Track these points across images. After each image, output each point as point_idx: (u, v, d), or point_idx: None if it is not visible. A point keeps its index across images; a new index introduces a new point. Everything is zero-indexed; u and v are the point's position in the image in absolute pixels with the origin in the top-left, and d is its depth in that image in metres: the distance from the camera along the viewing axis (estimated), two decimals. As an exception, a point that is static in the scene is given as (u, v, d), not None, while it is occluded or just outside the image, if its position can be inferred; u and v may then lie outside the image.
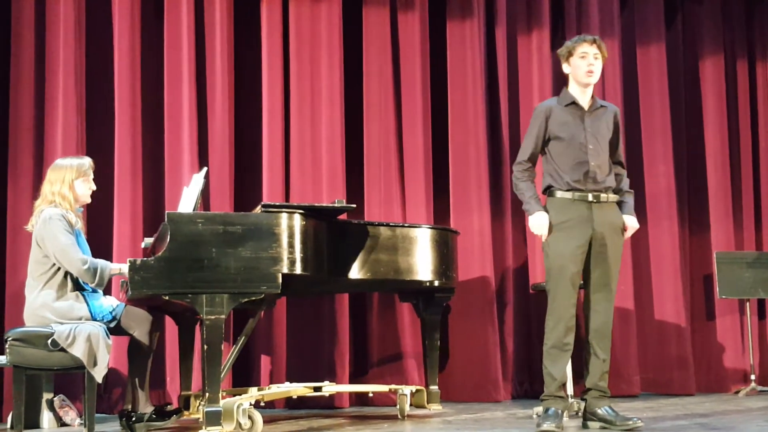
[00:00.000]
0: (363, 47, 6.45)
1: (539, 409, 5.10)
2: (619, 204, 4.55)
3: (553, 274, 4.42)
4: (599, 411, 4.45)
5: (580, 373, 4.61)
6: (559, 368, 4.40)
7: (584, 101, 4.52)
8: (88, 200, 4.69)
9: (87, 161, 4.67)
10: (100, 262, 4.47)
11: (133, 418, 4.57)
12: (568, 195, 4.42)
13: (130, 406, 4.68)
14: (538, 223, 4.43)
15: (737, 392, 6.58)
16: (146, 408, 4.59)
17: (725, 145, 7.12)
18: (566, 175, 4.43)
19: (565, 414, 4.52)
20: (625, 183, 4.64)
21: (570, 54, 4.51)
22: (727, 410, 5.25)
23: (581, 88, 4.52)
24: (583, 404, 4.60)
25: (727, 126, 7.16)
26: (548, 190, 4.51)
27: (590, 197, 4.41)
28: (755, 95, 7.31)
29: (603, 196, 4.44)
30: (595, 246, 4.42)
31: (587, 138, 4.45)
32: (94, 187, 4.69)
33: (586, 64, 4.46)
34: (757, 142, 7.25)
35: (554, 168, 4.47)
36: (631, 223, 4.55)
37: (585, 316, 4.52)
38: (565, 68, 4.56)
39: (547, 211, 4.45)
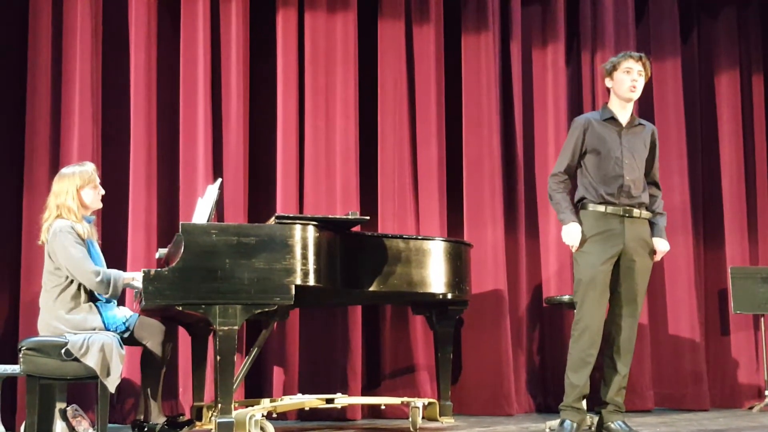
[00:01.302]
0: (378, 60, 6.46)
1: (552, 423, 5.08)
2: (651, 224, 4.56)
3: (582, 284, 4.42)
4: (612, 425, 4.43)
5: (593, 388, 4.59)
6: (581, 377, 4.39)
7: (623, 117, 4.56)
8: (99, 205, 4.69)
9: (90, 167, 4.64)
10: (113, 273, 4.48)
11: (146, 429, 4.58)
12: (601, 208, 4.45)
13: (142, 417, 4.69)
14: (570, 233, 4.45)
15: (751, 408, 6.54)
16: (158, 419, 4.60)
17: (740, 160, 7.09)
18: (600, 188, 4.46)
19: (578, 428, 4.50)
20: (659, 204, 4.66)
21: (614, 68, 4.55)
22: (741, 426, 5.21)
23: (621, 104, 4.56)
24: (596, 418, 4.57)
25: (742, 141, 7.13)
26: (581, 202, 4.54)
27: (623, 211, 4.44)
28: (771, 110, 7.29)
29: (636, 211, 4.47)
30: (624, 261, 4.44)
31: (623, 153, 4.48)
32: (103, 192, 4.69)
33: (630, 80, 4.50)
34: (772, 157, 7.23)
35: (589, 181, 4.51)
36: (662, 246, 4.57)
37: (608, 330, 4.50)
38: (608, 82, 4.60)
39: (579, 222, 4.46)
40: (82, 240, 4.47)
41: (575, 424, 4.39)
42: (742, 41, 7.28)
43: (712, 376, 6.78)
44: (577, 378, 4.40)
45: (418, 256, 5.02)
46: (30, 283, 5.53)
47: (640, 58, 4.54)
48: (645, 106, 6.88)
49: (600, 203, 4.45)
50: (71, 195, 4.53)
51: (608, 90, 4.64)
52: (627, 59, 4.53)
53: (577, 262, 4.48)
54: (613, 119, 4.55)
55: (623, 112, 4.56)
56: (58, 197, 4.54)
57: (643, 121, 4.67)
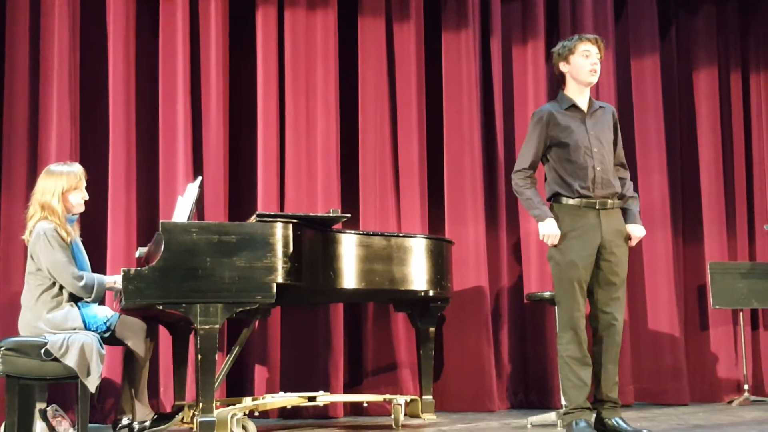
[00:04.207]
0: (359, 58, 6.45)
1: (534, 418, 5.10)
2: (624, 210, 4.46)
3: (565, 284, 4.30)
4: (611, 422, 4.33)
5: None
6: (587, 377, 4.27)
7: (583, 103, 4.44)
8: (82, 209, 4.66)
9: (78, 170, 4.60)
10: (96, 277, 4.48)
11: (136, 430, 4.54)
12: (576, 202, 4.33)
13: (124, 418, 4.67)
14: (550, 230, 4.31)
15: (730, 402, 6.58)
16: (148, 415, 4.58)
17: (719, 156, 7.13)
18: (574, 182, 4.33)
19: None
20: (629, 187, 4.54)
21: (571, 52, 4.41)
22: (720, 420, 5.25)
23: (580, 89, 4.43)
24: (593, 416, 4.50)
25: (720, 137, 7.17)
26: (554, 197, 4.41)
27: (598, 204, 4.32)
28: (749, 106, 7.32)
29: (609, 202, 4.35)
30: (604, 254, 4.33)
31: (591, 141, 4.36)
32: (87, 197, 4.67)
33: (590, 63, 4.37)
34: (750, 154, 7.27)
35: (559, 175, 4.38)
36: (638, 232, 4.44)
37: (594, 325, 4.41)
38: (563, 67, 4.46)
39: (555, 218, 4.36)
40: (66, 243, 4.45)
41: (591, 421, 4.27)
42: (720, 38, 7.32)
43: (692, 371, 6.82)
44: (583, 380, 4.26)
45: (399, 254, 5.02)
46: (7, 284, 5.49)
47: (596, 40, 4.42)
48: (624, 103, 6.92)
49: (576, 197, 4.32)
50: (57, 197, 4.48)
51: (562, 76, 4.49)
52: (584, 42, 4.40)
53: (556, 261, 4.36)
54: (574, 107, 4.42)
55: (582, 97, 4.43)
56: (44, 195, 4.49)
57: (602, 103, 4.55)
